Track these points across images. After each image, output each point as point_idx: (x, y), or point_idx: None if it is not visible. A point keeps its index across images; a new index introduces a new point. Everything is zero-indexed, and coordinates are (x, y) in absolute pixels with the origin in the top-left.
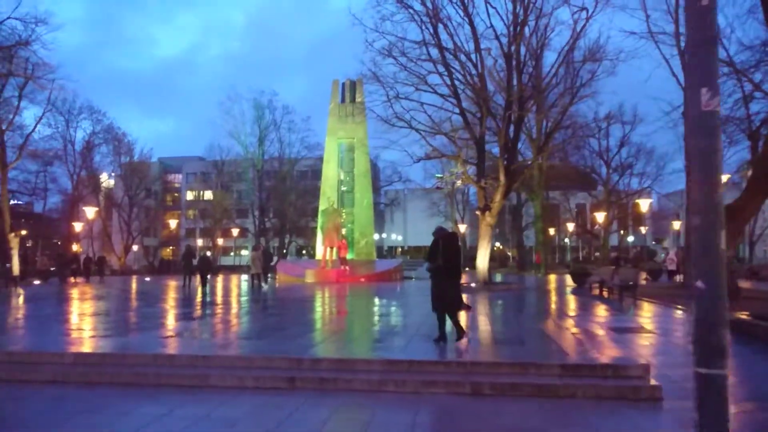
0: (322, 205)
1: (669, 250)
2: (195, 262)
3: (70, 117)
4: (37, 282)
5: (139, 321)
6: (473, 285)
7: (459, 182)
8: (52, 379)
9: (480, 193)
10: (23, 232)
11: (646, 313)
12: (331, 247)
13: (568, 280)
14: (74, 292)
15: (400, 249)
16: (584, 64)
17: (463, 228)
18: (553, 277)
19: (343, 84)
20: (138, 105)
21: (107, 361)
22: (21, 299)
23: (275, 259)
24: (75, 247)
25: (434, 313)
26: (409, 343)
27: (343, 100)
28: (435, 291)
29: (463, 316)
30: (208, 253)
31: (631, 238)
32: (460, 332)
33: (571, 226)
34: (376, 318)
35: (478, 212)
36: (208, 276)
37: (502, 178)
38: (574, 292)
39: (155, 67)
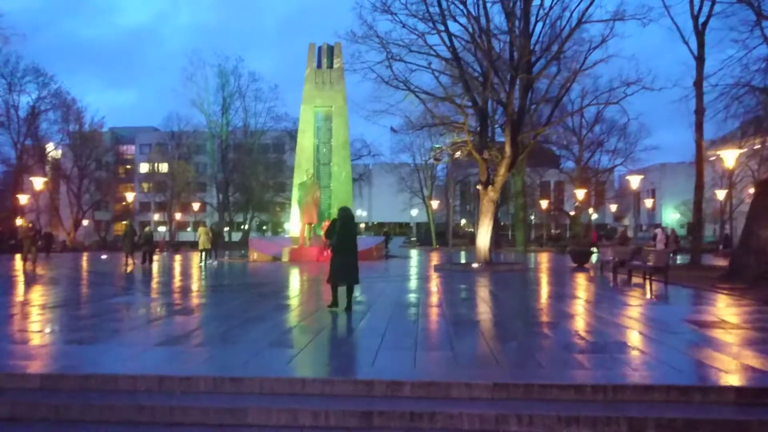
0: (298, 178)
1: (656, 230)
2: (137, 239)
3: (12, 79)
4: None
5: (109, 316)
6: (475, 266)
7: (458, 153)
8: (10, 415)
9: (482, 166)
10: None
11: (694, 300)
12: (310, 224)
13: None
14: (19, 274)
15: (364, 225)
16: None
17: (435, 204)
18: (542, 256)
19: (320, 48)
20: (98, 76)
21: (91, 385)
22: None
23: (221, 236)
24: (19, 222)
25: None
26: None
27: (319, 66)
28: (333, 265)
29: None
30: (147, 229)
31: (594, 216)
32: (340, 304)
33: (544, 204)
34: (406, 310)
35: (479, 186)
36: (151, 254)
37: (507, 149)
38: (580, 272)
39: (118, 36)
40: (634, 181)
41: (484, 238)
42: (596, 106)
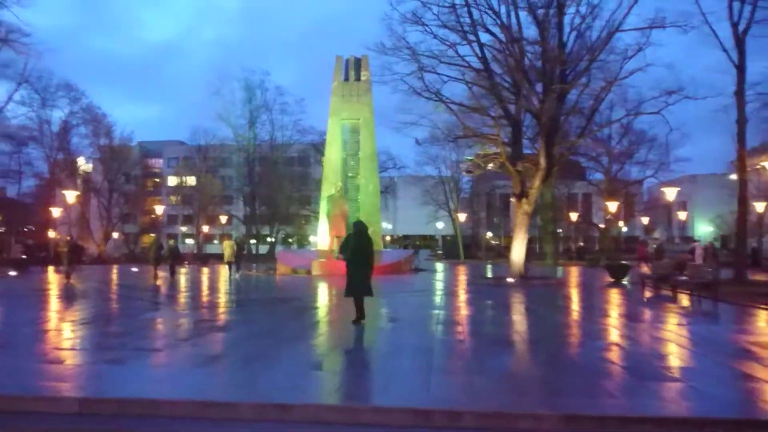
0: (326, 191)
1: (694, 244)
2: (163, 252)
3: (45, 95)
4: (12, 273)
5: (143, 333)
6: (509, 280)
7: (491, 165)
8: None
9: (516, 178)
10: None
11: (750, 319)
12: (338, 237)
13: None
14: (53, 287)
15: (389, 237)
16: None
17: (463, 217)
18: (573, 270)
19: (347, 61)
20: (123, 90)
21: (132, 410)
22: None
23: (245, 249)
24: (52, 234)
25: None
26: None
27: (346, 78)
28: (348, 278)
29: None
30: (171, 242)
31: (624, 229)
32: (360, 316)
33: (573, 216)
34: (449, 327)
35: (513, 199)
36: (175, 267)
37: (542, 161)
38: (618, 288)
39: (143, 51)
40: (670, 193)
41: (518, 251)
42: (628, 116)
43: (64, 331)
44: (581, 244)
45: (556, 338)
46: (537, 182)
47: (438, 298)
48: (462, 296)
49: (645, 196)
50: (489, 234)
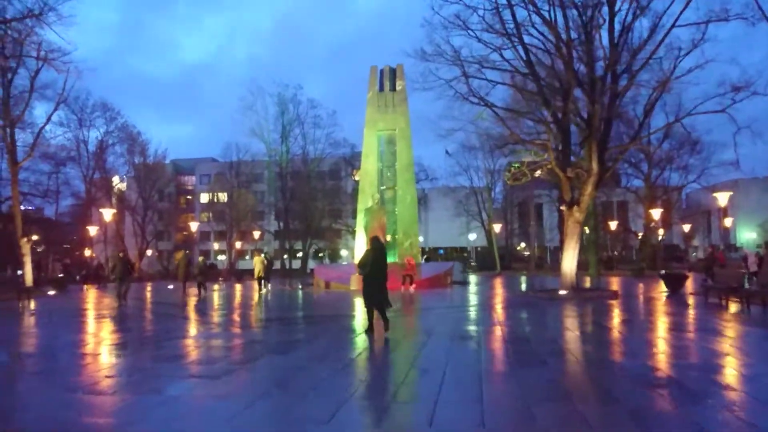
0: (362, 203)
1: (746, 251)
2: (193, 269)
3: (83, 115)
4: (51, 292)
5: (192, 358)
6: (562, 293)
7: (539, 172)
8: None
9: (566, 185)
10: (35, 237)
11: None
12: None
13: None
14: (90, 306)
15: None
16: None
17: (498, 228)
18: (619, 280)
19: (382, 71)
20: (159, 110)
21: None
22: (33, 319)
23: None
24: (88, 252)
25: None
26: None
27: (381, 89)
28: (366, 291)
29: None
30: (201, 259)
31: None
32: (386, 324)
33: (612, 224)
34: (521, 346)
35: (563, 207)
36: (205, 283)
37: (594, 166)
38: (680, 299)
39: (179, 71)
40: (722, 198)
41: (570, 262)
42: (687, 116)
43: (106, 355)
44: (615, 253)
45: (654, 362)
46: (589, 188)
47: (497, 314)
48: (523, 312)
49: (683, 202)
50: (522, 244)
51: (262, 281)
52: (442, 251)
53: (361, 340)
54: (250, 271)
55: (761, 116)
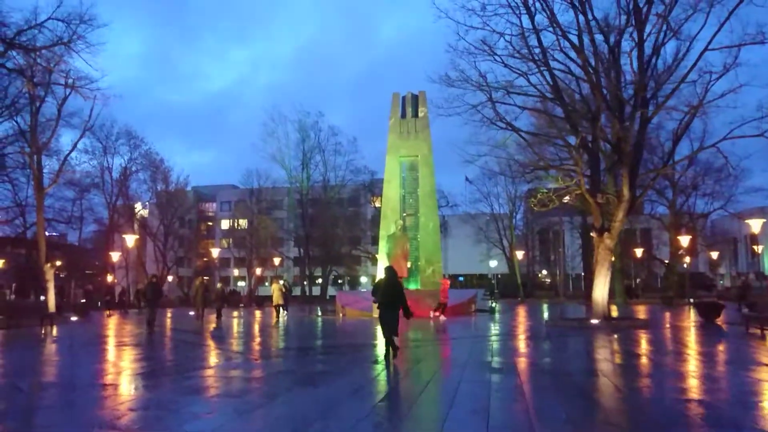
0: (384, 230)
1: None
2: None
3: (107, 143)
4: (74, 318)
5: (222, 390)
6: (593, 322)
7: (567, 198)
8: None
9: (596, 211)
10: (58, 263)
11: None
12: (401, 277)
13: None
14: (112, 333)
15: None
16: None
17: (520, 255)
18: (647, 308)
19: (404, 98)
20: (183, 138)
21: None
22: (54, 346)
23: (292, 291)
24: (110, 278)
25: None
26: None
27: (404, 115)
28: (381, 318)
29: None
30: (219, 286)
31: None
32: (395, 351)
33: (638, 252)
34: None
35: (593, 233)
36: (221, 310)
37: (625, 192)
38: (716, 329)
39: (203, 100)
40: (755, 225)
41: (601, 290)
42: (722, 140)
43: (128, 386)
44: (638, 280)
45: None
46: (620, 215)
47: (528, 345)
48: (554, 342)
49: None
50: (543, 272)
51: (280, 308)
52: (461, 278)
53: (391, 373)
54: (270, 298)
55: None
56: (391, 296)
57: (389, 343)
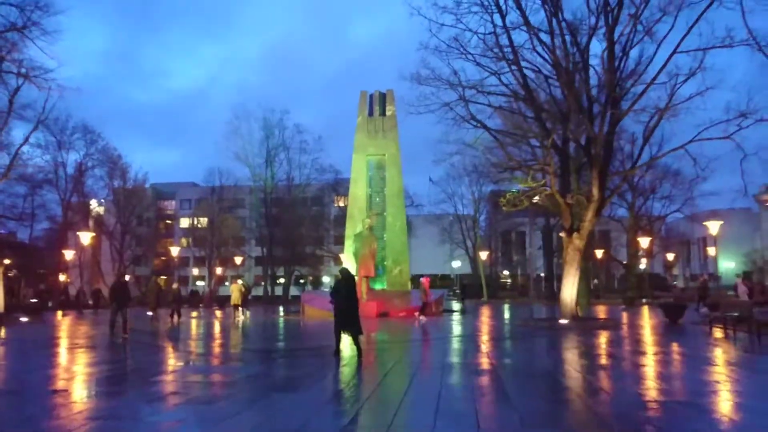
0: (351, 229)
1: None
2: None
3: (62, 137)
4: (24, 319)
5: (193, 393)
6: (563, 322)
7: (536, 198)
8: None
9: (566, 212)
10: (7, 261)
11: None
12: (367, 277)
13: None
14: (66, 334)
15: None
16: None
17: (484, 255)
18: (611, 309)
19: (371, 96)
20: (147, 137)
21: None
22: (2, 349)
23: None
24: (63, 278)
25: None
26: None
27: (371, 114)
28: (337, 318)
29: None
30: (174, 286)
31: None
32: (360, 352)
33: (599, 253)
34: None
35: (562, 234)
36: (178, 311)
37: (595, 192)
38: (680, 329)
39: (168, 98)
40: (713, 227)
41: (570, 290)
42: (691, 142)
43: (86, 394)
44: (596, 281)
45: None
46: (590, 215)
47: (506, 347)
48: (523, 343)
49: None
50: (505, 272)
51: (239, 308)
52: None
53: (370, 376)
54: (230, 298)
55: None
56: (349, 296)
57: (353, 338)
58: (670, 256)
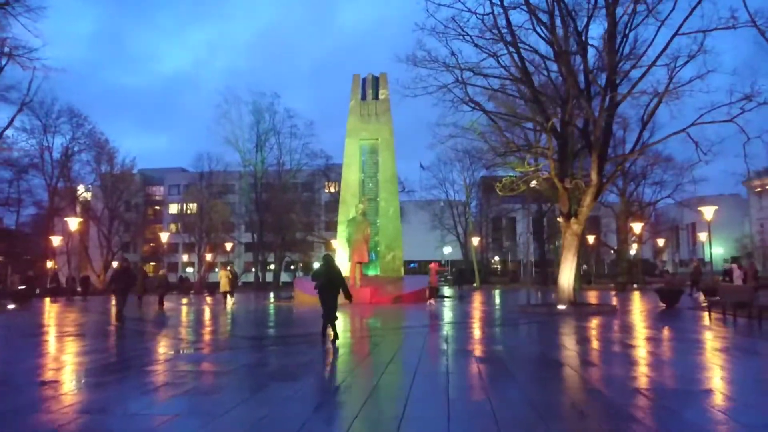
0: (343, 215)
1: (732, 265)
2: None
3: (48, 121)
4: (11, 306)
5: (190, 383)
6: (561, 307)
7: (534, 183)
8: None
9: (563, 196)
10: None
11: None
12: (360, 263)
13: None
14: (54, 322)
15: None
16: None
17: (476, 241)
18: (604, 295)
19: (364, 79)
20: (135, 122)
21: None
22: None
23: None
24: (50, 264)
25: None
26: None
27: (364, 97)
28: (322, 303)
29: None
30: (161, 272)
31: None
32: (335, 335)
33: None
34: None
35: (560, 219)
36: (163, 297)
37: (594, 177)
38: (679, 314)
39: (157, 83)
40: (708, 213)
41: (568, 276)
42: (693, 125)
43: (78, 385)
44: (585, 266)
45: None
46: (588, 200)
47: (511, 333)
48: (532, 329)
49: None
50: (496, 258)
51: (227, 295)
52: (413, 265)
53: (375, 363)
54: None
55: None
56: (333, 282)
57: (330, 324)
58: (661, 242)
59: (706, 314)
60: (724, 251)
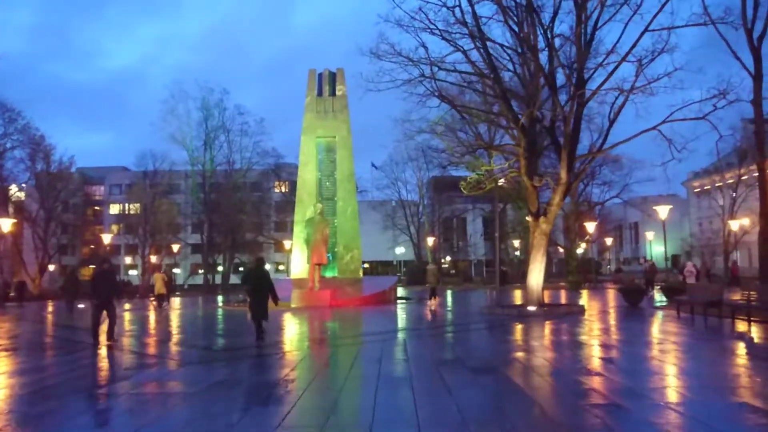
0: (300, 215)
1: (685, 262)
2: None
3: None
4: None
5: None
6: (531, 308)
7: (501, 181)
8: None
9: (532, 195)
10: None
11: None
12: (319, 264)
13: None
14: None
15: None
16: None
17: (431, 241)
18: (563, 294)
19: (320, 75)
20: (79, 119)
21: None
22: None
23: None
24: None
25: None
26: None
27: (320, 94)
28: (251, 304)
29: None
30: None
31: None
32: (261, 335)
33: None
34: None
35: (529, 218)
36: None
37: (563, 175)
38: (645, 313)
39: (102, 79)
40: (662, 212)
41: (537, 276)
42: (664, 123)
43: (4, 419)
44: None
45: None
46: (557, 198)
47: (486, 338)
48: (508, 334)
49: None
50: (447, 258)
51: (163, 298)
52: (365, 266)
53: (355, 370)
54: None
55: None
56: (262, 284)
57: (258, 325)
58: (609, 241)
59: (669, 313)
60: (664, 250)
